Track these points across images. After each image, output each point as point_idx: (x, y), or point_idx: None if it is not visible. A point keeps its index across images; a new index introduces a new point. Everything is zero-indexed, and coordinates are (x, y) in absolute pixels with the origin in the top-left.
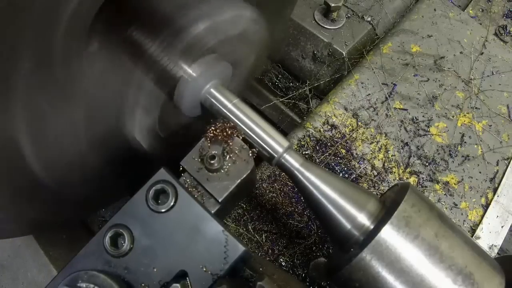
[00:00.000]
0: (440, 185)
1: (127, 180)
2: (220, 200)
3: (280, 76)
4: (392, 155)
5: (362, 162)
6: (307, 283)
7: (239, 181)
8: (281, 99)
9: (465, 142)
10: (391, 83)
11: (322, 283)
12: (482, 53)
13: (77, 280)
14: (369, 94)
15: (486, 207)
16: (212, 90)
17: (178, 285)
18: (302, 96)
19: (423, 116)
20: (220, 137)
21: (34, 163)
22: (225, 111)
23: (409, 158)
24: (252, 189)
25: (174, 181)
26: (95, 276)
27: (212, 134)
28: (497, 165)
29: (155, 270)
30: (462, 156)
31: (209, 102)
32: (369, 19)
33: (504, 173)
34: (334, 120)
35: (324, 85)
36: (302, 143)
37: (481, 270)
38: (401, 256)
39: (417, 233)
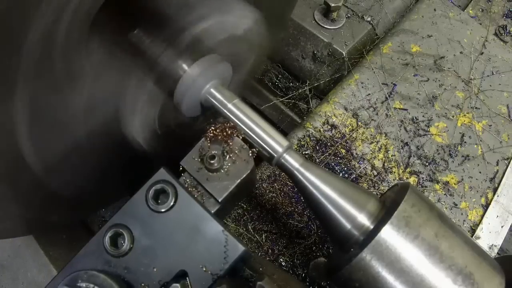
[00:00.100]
0: (440, 185)
1: (127, 180)
2: (220, 200)
3: (280, 76)
4: (392, 155)
5: (362, 162)
6: (307, 283)
7: (239, 181)
8: (281, 99)
9: (465, 142)
10: (391, 83)
11: (322, 283)
12: (482, 53)
13: (77, 280)
14: (369, 94)
15: (486, 207)
16: (212, 90)
17: (178, 285)
18: (302, 96)
19: (423, 116)
20: (220, 137)
21: (34, 163)
22: (225, 111)
23: (409, 158)
24: (252, 189)
25: (174, 181)
26: (95, 276)
27: (212, 134)
28: (497, 165)
29: (155, 270)
30: (462, 156)
31: (209, 102)
32: (369, 19)
33: (504, 173)
34: (334, 120)
35: (324, 85)
36: (302, 143)
37: (481, 270)
38: (401, 256)
39: (417, 233)
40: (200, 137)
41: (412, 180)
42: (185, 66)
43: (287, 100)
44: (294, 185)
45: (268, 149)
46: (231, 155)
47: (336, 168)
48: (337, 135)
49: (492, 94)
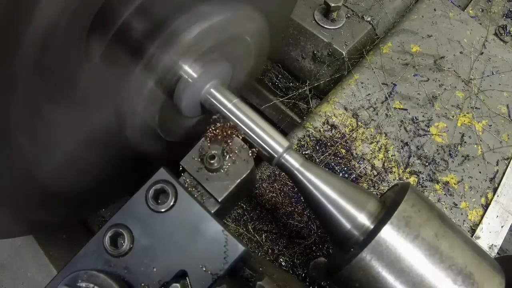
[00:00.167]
0: (440, 185)
1: (127, 180)
2: (220, 200)
3: (280, 76)
4: (392, 155)
5: (362, 162)
6: (307, 283)
7: (239, 181)
8: (281, 99)
9: (465, 142)
10: (391, 83)
11: (322, 283)
12: (482, 53)
13: (77, 279)
14: (369, 94)
15: (486, 207)
16: (212, 90)
17: (178, 284)
18: (302, 96)
19: (423, 116)
20: (220, 137)
21: (34, 164)
22: (225, 111)
23: (409, 158)
24: (252, 189)
25: (174, 181)
26: (95, 275)
27: (212, 134)
28: (497, 165)
29: (155, 269)
30: (462, 156)
31: (209, 102)
32: (369, 19)
33: (504, 173)
34: (334, 120)
35: (324, 85)
36: (302, 143)
37: (481, 270)
38: (401, 256)
39: (417, 233)
40: (200, 137)
41: (412, 180)
42: (185, 66)
43: (287, 100)
44: (294, 185)
45: (268, 149)
46: (231, 155)
47: (336, 168)
48: (337, 135)
49: (492, 94)
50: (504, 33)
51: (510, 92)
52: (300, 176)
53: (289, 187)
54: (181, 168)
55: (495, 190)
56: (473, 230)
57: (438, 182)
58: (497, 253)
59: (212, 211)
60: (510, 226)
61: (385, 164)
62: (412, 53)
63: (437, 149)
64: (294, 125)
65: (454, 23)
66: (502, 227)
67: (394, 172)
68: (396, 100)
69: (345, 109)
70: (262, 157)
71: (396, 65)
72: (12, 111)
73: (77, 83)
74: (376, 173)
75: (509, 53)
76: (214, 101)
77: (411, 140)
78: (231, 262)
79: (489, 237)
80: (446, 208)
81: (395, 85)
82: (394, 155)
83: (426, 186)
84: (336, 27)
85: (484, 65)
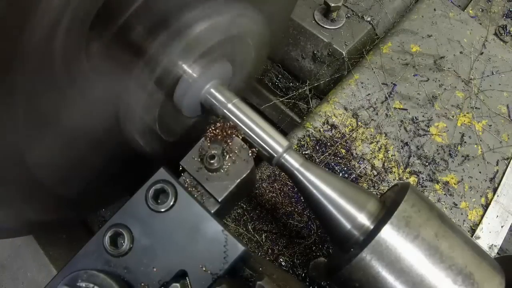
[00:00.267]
0: (440, 185)
1: (127, 180)
2: (219, 200)
3: (280, 76)
4: (392, 155)
5: (362, 162)
6: (307, 283)
7: (238, 180)
8: (281, 99)
9: (465, 142)
10: (391, 83)
11: (322, 283)
12: (482, 53)
13: (76, 279)
14: (369, 94)
15: (486, 207)
16: (212, 90)
17: (177, 284)
18: (302, 96)
19: (423, 116)
20: (219, 137)
21: (34, 163)
22: (225, 111)
23: (409, 158)
24: (252, 189)
25: (174, 180)
26: (95, 275)
27: (212, 134)
28: (497, 165)
29: (154, 269)
30: (462, 156)
31: (209, 102)
32: (369, 19)
33: (504, 173)
34: (334, 120)
35: (324, 85)
36: (302, 143)
37: (481, 270)
38: (401, 256)
39: (417, 233)
40: (200, 137)
41: (412, 180)
42: (185, 66)
43: (287, 100)
44: (294, 185)
45: (268, 149)
46: (231, 155)
47: (336, 168)
48: (337, 135)
49: (492, 94)
50: (504, 33)
51: (510, 92)
52: (300, 176)
53: (289, 187)
54: (181, 168)
55: (495, 190)
56: (473, 230)
57: (438, 182)
58: (497, 253)
59: (212, 211)
60: (510, 226)
61: (385, 164)
62: (412, 53)
63: (437, 149)
64: (294, 125)
65: (454, 23)
66: (502, 227)
67: (394, 172)
68: (396, 100)
69: (345, 109)
70: (262, 157)
71: (396, 65)
72: (12, 110)
73: (77, 83)
74: (376, 173)
75: (509, 53)
76: (214, 101)
77: (411, 140)
78: (231, 262)
79: (489, 237)
80: (446, 208)
81: (395, 85)
82: (394, 155)
83: (426, 186)
84: (336, 27)
85: (484, 65)
